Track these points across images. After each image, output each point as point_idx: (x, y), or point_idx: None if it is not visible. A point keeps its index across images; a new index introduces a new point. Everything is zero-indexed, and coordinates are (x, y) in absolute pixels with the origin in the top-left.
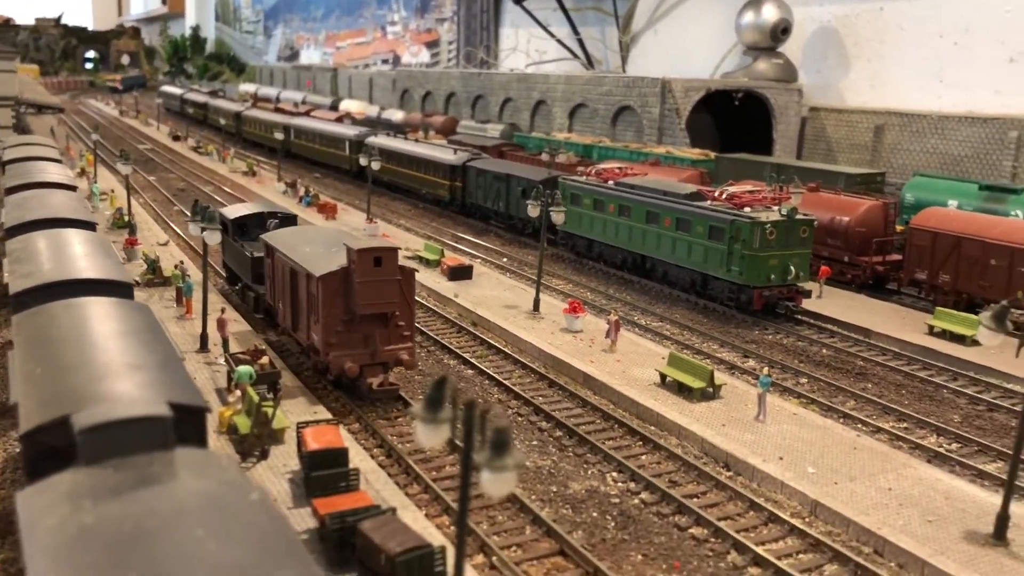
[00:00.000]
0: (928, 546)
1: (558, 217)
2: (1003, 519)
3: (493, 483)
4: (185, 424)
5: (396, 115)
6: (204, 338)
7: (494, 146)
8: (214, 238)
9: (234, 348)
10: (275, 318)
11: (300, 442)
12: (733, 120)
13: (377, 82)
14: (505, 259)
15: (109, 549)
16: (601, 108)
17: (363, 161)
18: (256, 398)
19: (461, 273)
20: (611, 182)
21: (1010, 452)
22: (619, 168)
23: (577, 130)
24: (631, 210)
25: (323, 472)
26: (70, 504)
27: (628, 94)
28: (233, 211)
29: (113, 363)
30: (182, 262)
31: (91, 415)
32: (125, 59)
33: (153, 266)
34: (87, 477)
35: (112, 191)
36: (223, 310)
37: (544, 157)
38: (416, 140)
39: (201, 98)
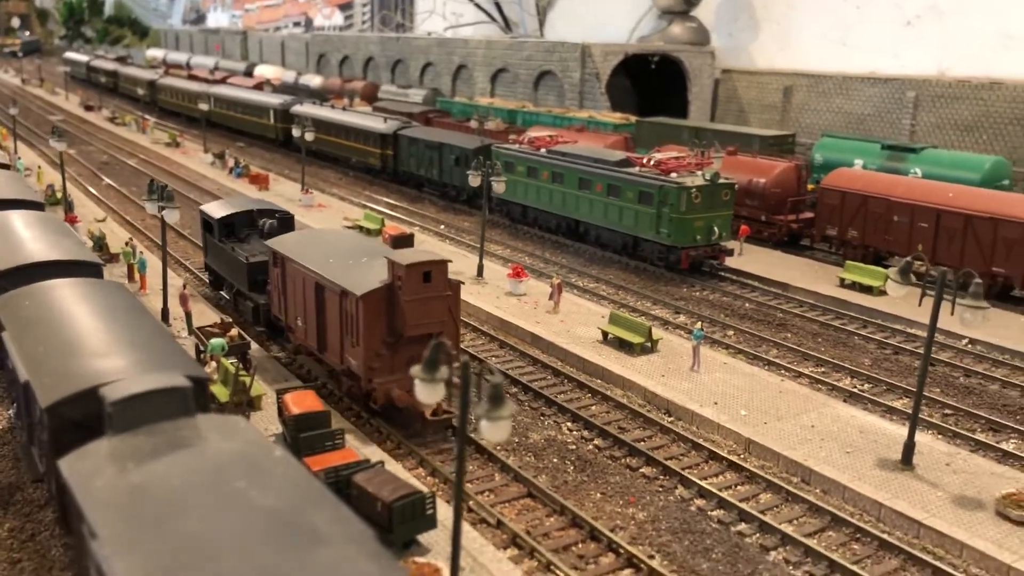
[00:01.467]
0: (847, 473)
1: (499, 187)
2: (909, 447)
3: (491, 431)
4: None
5: (314, 81)
6: (165, 313)
7: (420, 112)
8: (173, 216)
9: (197, 323)
10: (284, 332)
11: (282, 407)
12: (650, 84)
13: (290, 46)
14: (443, 226)
15: (164, 502)
16: (523, 73)
17: (296, 132)
18: (232, 368)
19: (403, 242)
20: (543, 150)
21: (914, 390)
22: (550, 136)
23: (500, 95)
24: (564, 177)
25: (311, 433)
26: (114, 467)
27: (549, 59)
28: (217, 209)
29: (112, 340)
30: (132, 239)
31: (120, 387)
32: (15, 22)
33: (100, 243)
34: (122, 443)
35: (39, 167)
36: (184, 286)
37: (473, 124)
38: (343, 108)
39: (110, 65)
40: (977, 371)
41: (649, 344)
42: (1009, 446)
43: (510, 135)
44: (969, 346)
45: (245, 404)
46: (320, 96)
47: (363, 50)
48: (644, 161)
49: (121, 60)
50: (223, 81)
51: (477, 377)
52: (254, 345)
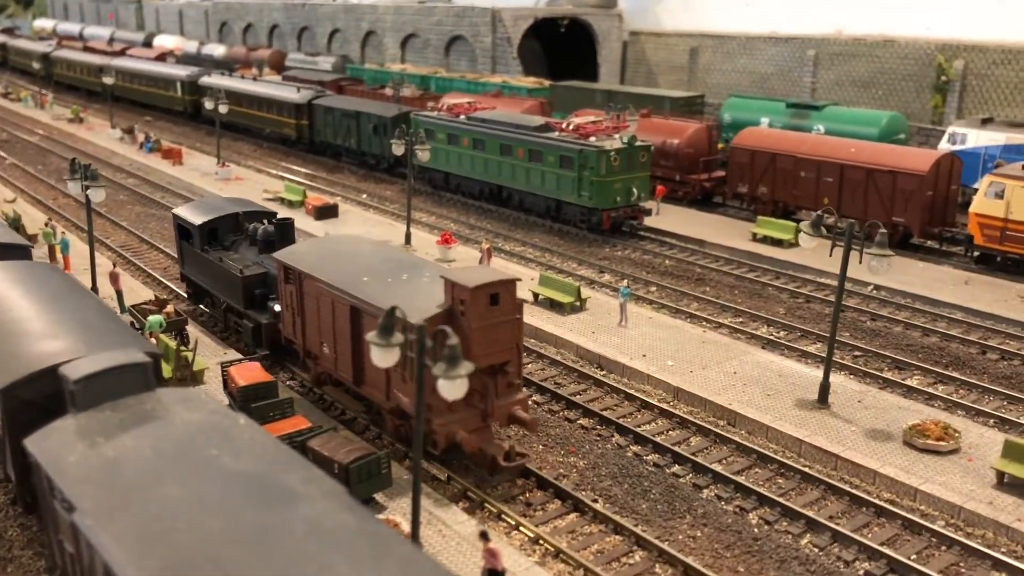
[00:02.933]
0: (769, 414)
1: (424, 155)
2: (824, 388)
3: (448, 388)
4: None
5: (218, 50)
6: (94, 293)
7: (332, 81)
8: (98, 195)
9: (129, 301)
10: (299, 357)
11: (227, 380)
12: (560, 47)
13: (188, 15)
14: (364, 195)
15: (140, 472)
16: (433, 38)
17: (208, 104)
18: (172, 344)
19: (327, 212)
20: (463, 116)
21: (826, 335)
22: (469, 103)
23: (411, 61)
24: (486, 143)
25: (261, 403)
26: (84, 442)
27: (459, 24)
28: (195, 213)
29: (59, 321)
30: (51, 219)
31: (81, 366)
32: None
33: (16, 225)
34: (89, 420)
35: None
36: (115, 264)
37: (388, 92)
38: (254, 78)
39: None
40: (883, 315)
41: (578, 303)
42: (913, 382)
43: (428, 102)
44: (874, 292)
45: (188, 379)
46: (225, 66)
47: (267, 17)
48: (563, 126)
49: (8, 32)
50: (123, 53)
51: (433, 340)
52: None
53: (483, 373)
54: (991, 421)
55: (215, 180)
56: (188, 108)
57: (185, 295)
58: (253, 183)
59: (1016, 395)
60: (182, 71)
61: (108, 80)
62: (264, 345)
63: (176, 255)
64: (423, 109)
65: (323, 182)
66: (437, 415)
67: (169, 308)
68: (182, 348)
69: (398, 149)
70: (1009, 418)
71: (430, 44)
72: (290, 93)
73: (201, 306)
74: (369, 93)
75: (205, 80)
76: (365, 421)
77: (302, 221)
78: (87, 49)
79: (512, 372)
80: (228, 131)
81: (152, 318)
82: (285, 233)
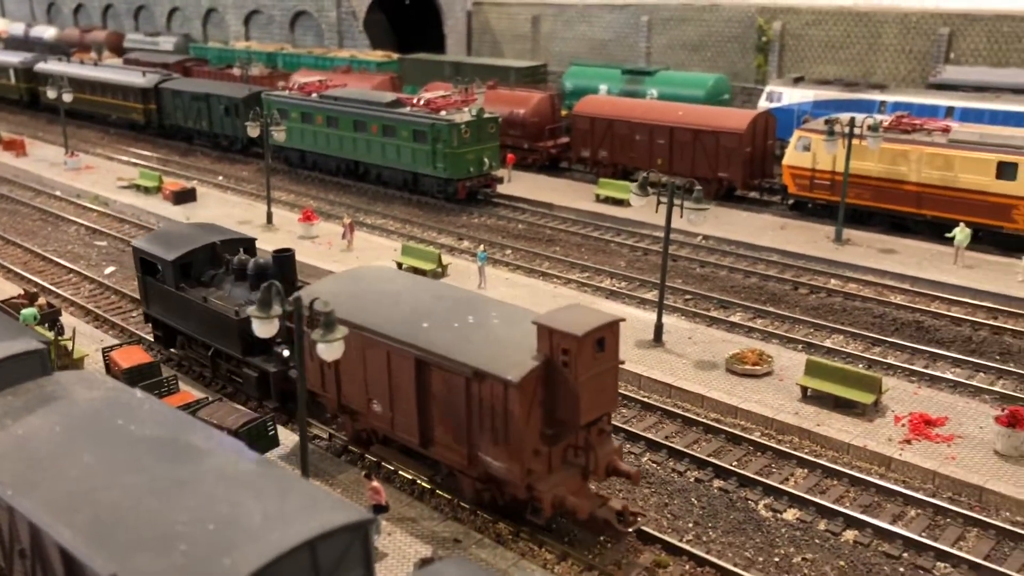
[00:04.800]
0: None
1: (279, 135)
2: (659, 328)
3: (327, 351)
4: None
5: (48, 32)
6: None
7: (177, 62)
8: None
9: None
10: (329, 413)
11: (110, 365)
12: (406, 19)
13: None
14: (221, 177)
15: (53, 445)
16: (277, 14)
17: (51, 94)
18: (50, 335)
19: (185, 197)
20: (315, 95)
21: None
22: (320, 81)
23: (256, 38)
24: (339, 121)
25: (145, 383)
26: None
27: None
28: (161, 245)
29: None
30: None
31: None
32: None
33: None
34: None
35: None
36: None
37: (236, 72)
38: (94, 63)
39: None
40: (710, 262)
41: (440, 269)
42: (735, 318)
43: (278, 81)
44: (703, 241)
45: (70, 368)
46: (60, 50)
47: None
48: (414, 101)
49: None
50: None
51: (310, 309)
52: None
53: (583, 427)
54: (799, 346)
55: (65, 170)
56: (25, 96)
57: (152, 338)
58: (105, 171)
59: (820, 323)
60: (14, 57)
61: None
62: (273, 397)
63: (140, 294)
64: (274, 88)
65: (177, 166)
66: (539, 479)
67: (41, 300)
68: (59, 338)
69: (253, 131)
70: (814, 342)
71: (274, 20)
72: (135, 78)
73: (172, 350)
74: (216, 73)
75: (42, 67)
76: (424, 483)
77: (160, 207)
78: None
79: (606, 420)
80: (72, 118)
81: (26, 312)
82: (285, 267)
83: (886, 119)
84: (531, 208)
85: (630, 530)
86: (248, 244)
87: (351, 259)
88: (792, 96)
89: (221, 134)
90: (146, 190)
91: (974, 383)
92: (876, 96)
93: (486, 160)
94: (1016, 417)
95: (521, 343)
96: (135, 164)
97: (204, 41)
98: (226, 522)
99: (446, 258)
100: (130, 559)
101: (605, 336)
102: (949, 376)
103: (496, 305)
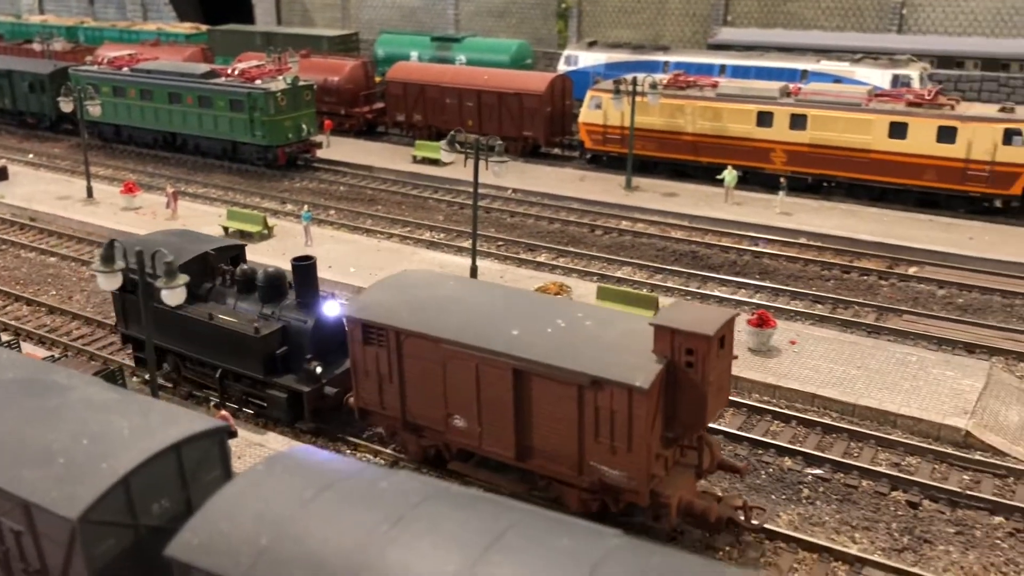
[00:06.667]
0: None
1: (95, 110)
2: (474, 269)
3: (170, 296)
4: None
5: None
6: None
7: None
8: None
9: None
10: (389, 432)
11: None
12: None
13: None
14: (32, 155)
15: None
16: None
17: None
18: None
19: None
20: (126, 69)
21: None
22: (130, 54)
23: (51, 11)
24: (153, 94)
25: None
26: None
27: None
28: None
29: None
30: None
31: None
32: None
33: None
34: None
35: None
36: None
37: (37, 47)
38: None
39: None
40: (519, 212)
41: (266, 231)
42: (541, 259)
43: (84, 56)
44: (512, 194)
45: None
46: None
47: None
48: (228, 72)
49: None
50: None
51: (152, 259)
52: None
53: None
54: (595, 277)
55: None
56: None
57: (132, 361)
58: None
59: (613, 258)
60: None
61: None
62: (307, 417)
63: (115, 313)
64: (80, 63)
65: None
66: (666, 485)
67: None
68: None
69: (66, 106)
70: (608, 274)
71: None
72: None
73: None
74: (15, 49)
75: None
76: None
77: None
78: None
79: None
80: None
81: None
82: (306, 276)
83: (665, 78)
84: (351, 171)
85: (757, 524)
86: (238, 251)
87: (177, 227)
88: (587, 59)
89: (27, 111)
90: None
91: (737, 297)
92: (660, 57)
93: (304, 126)
94: (762, 319)
95: (629, 345)
96: None
97: None
98: (98, 437)
99: (271, 220)
100: (16, 475)
101: (726, 334)
102: (717, 293)
103: (574, 305)
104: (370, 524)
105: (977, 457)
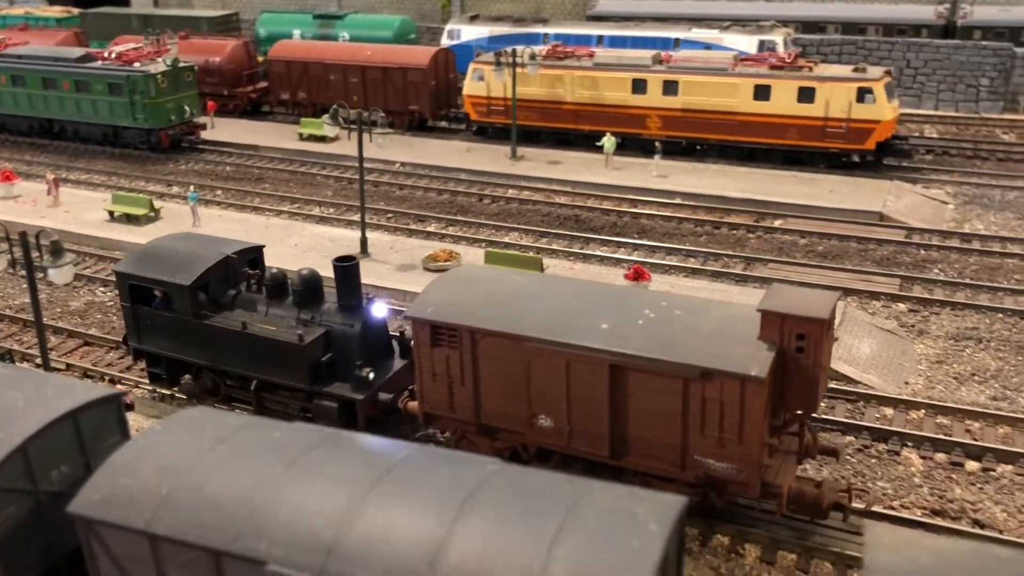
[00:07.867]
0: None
1: None
2: (364, 241)
3: (58, 275)
4: None
5: None
6: None
7: None
8: None
9: None
10: (457, 436)
11: None
12: None
13: None
14: None
15: None
16: None
17: None
18: None
19: None
20: None
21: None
22: None
23: None
24: (26, 80)
25: None
26: None
27: None
28: (163, 266)
29: None
30: None
31: None
32: None
33: None
34: None
35: None
36: None
37: None
38: None
39: None
40: (408, 184)
41: (153, 214)
42: (431, 228)
43: None
44: (401, 167)
45: None
46: None
47: None
48: (105, 55)
49: None
50: None
51: (36, 240)
52: None
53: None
54: (484, 244)
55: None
56: None
57: (147, 376)
58: None
59: (500, 224)
60: None
61: None
62: (361, 426)
63: (128, 323)
64: None
65: None
66: (775, 474)
67: None
68: None
69: None
70: (496, 240)
71: None
72: None
73: (177, 390)
74: None
75: None
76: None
77: None
78: None
79: None
80: None
81: None
82: (349, 277)
83: (544, 49)
84: (237, 151)
85: (864, 509)
86: (256, 253)
87: (59, 214)
88: (469, 33)
89: None
90: None
91: (617, 256)
92: (540, 29)
93: (186, 108)
94: (638, 273)
95: (731, 333)
96: None
97: None
98: None
99: (157, 203)
100: None
101: (834, 316)
102: (599, 253)
103: (658, 295)
104: (266, 468)
105: (832, 385)
